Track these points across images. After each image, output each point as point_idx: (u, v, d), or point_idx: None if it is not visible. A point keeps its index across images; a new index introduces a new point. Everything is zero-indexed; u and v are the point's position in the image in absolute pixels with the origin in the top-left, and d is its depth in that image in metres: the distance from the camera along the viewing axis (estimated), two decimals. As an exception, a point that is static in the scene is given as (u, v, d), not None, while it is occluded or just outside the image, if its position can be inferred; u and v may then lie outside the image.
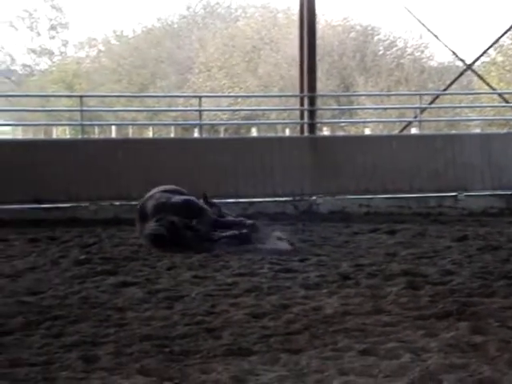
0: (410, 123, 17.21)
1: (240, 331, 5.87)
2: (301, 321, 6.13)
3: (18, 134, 37.52)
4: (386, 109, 30.49)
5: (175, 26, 42.81)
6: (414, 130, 18.95)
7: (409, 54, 36.44)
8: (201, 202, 10.11)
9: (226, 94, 34.38)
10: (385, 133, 25.50)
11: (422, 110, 15.75)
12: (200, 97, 16.14)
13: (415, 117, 15.96)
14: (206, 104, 25.40)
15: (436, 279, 7.61)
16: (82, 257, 8.90)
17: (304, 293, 7.11)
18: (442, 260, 8.66)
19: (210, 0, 43.46)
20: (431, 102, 16.29)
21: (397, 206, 13.29)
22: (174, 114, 33.80)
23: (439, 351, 5.29)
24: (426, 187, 13.63)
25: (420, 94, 16.08)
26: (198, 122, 15.27)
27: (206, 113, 24.05)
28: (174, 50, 39.95)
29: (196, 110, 15.65)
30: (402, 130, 16.61)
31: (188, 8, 43.40)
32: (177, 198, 9.81)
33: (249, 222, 10.17)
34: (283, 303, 6.70)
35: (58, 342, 5.61)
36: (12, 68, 48.57)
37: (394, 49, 36.91)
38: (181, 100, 33.03)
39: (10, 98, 39.22)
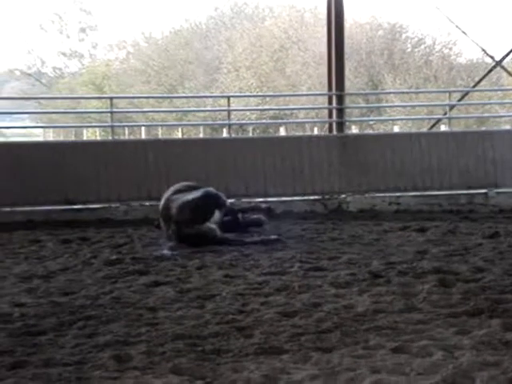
0: (439, 120, 17.12)
1: (271, 330, 5.88)
2: (332, 319, 6.11)
3: (49, 136, 37.87)
4: (414, 106, 30.41)
5: (203, 26, 42.92)
6: (443, 128, 18.87)
7: (437, 51, 36.23)
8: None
9: (255, 94, 34.43)
10: (413, 130, 25.37)
11: (452, 107, 15.66)
12: (228, 97, 16.17)
13: (444, 114, 15.87)
14: (235, 104, 25.42)
15: (467, 276, 7.56)
16: (114, 257, 8.95)
17: (335, 291, 7.09)
18: (474, 257, 8.60)
19: (237, 0, 43.54)
20: (460, 99, 16.19)
21: (427, 204, 13.24)
22: (202, 114, 33.92)
23: (471, 349, 5.26)
24: (457, 184, 13.56)
25: (449, 91, 15.97)
26: (226, 121, 15.30)
27: (234, 112, 24.06)
28: (202, 51, 40.06)
29: (224, 110, 15.70)
30: (431, 128, 16.52)
31: (216, 9, 43.53)
32: (196, 194, 9.87)
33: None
34: (314, 302, 6.69)
35: (91, 342, 5.64)
36: (42, 71, 48.98)
37: (423, 46, 36.73)
38: (209, 100, 33.15)
39: (40, 101, 39.68)
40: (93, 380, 4.87)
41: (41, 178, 12.15)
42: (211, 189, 10.13)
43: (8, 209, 12.17)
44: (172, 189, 10.19)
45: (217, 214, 9.79)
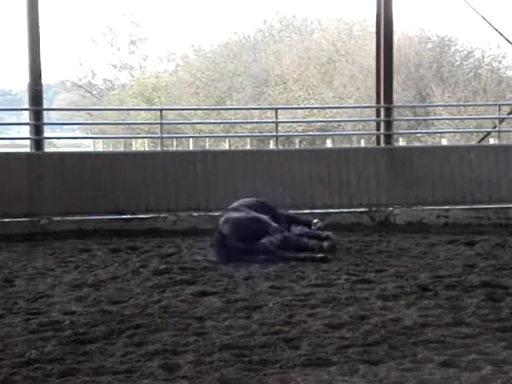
0: (488, 134, 16.97)
1: (318, 341, 5.88)
2: (379, 332, 6.10)
3: (99, 147, 38.30)
4: (463, 119, 30.17)
5: (252, 39, 43.14)
6: (492, 141, 18.67)
7: (486, 65, 35.97)
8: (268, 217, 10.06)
9: (302, 106, 34.46)
10: (462, 143, 25.16)
11: (501, 120, 15.51)
12: (276, 109, 16.19)
13: (494, 127, 15.72)
14: (282, 116, 25.48)
15: (517, 291, 7.49)
16: (162, 267, 9.01)
17: (382, 304, 7.07)
18: (523, 272, 8.51)
19: (286, 13, 43.69)
20: (510, 113, 16.03)
21: (475, 217, 13.11)
22: (249, 126, 34.03)
23: (521, 363, 5.22)
24: (506, 198, 13.40)
25: (499, 105, 15.82)
26: (273, 133, 15.35)
27: (281, 124, 24.09)
28: (250, 64, 40.25)
29: (272, 122, 15.73)
30: (480, 141, 16.37)
31: (264, 21, 43.73)
32: (240, 217, 9.82)
33: (325, 234, 10.16)
34: (361, 314, 6.68)
35: (140, 351, 5.70)
36: (93, 82, 49.63)
37: (472, 59, 36.48)
38: (257, 112, 33.28)
39: (91, 112, 40.21)
40: (142, 388, 4.92)
41: (91, 187, 12.29)
42: (265, 217, 10.05)
43: (59, 218, 12.35)
44: (235, 204, 10.27)
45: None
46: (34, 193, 12.26)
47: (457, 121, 30.84)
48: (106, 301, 7.36)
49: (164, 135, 14.52)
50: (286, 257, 9.39)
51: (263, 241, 9.53)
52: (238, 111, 34.86)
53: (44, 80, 13.05)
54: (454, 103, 32.54)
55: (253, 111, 34.48)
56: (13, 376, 5.19)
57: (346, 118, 30.17)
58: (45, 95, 13.36)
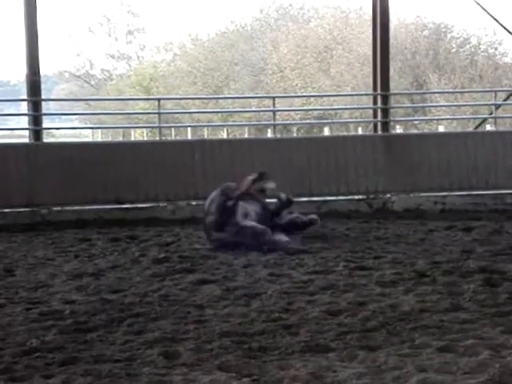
0: (485, 120, 16.98)
1: (317, 328, 5.91)
2: (377, 318, 6.13)
3: (97, 137, 38.25)
4: (459, 106, 30.17)
5: (249, 28, 43.06)
6: (488, 127, 18.69)
7: (482, 51, 35.95)
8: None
9: (299, 95, 34.44)
10: (459, 130, 25.17)
11: (497, 106, 15.53)
12: (273, 97, 16.21)
13: (490, 114, 15.74)
14: (279, 104, 25.46)
15: (514, 276, 7.53)
16: (161, 255, 9.04)
17: (380, 290, 7.10)
18: (520, 257, 8.55)
19: (282, 2, 43.59)
20: (506, 99, 16.05)
21: (472, 203, 13.14)
22: (247, 114, 34.04)
23: (518, 348, 5.26)
24: (502, 184, 13.44)
25: (495, 91, 15.83)
26: (271, 122, 15.36)
27: (279, 113, 24.07)
28: (247, 52, 40.19)
29: (269, 111, 15.77)
30: (476, 127, 16.40)
31: (261, 10, 43.63)
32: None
33: (305, 218, 10.10)
34: (359, 300, 6.71)
35: (140, 339, 5.72)
36: (91, 73, 49.54)
37: (468, 46, 36.45)
38: (254, 101, 33.25)
39: (89, 102, 40.19)
40: (142, 376, 4.93)
41: (91, 177, 12.32)
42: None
43: (58, 208, 12.37)
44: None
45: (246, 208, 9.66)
46: (33, 183, 12.28)
47: (453, 108, 30.84)
48: (106, 290, 7.39)
49: (162, 125, 14.53)
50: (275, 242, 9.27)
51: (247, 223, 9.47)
52: (236, 100, 34.84)
53: (42, 70, 13.07)
54: (451, 90, 32.52)
55: (250, 100, 34.44)
56: (14, 365, 5.21)
57: (343, 106, 30.14)
58: (43, 86, 13.35)
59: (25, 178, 12.25)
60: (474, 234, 10.28)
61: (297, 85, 36.90)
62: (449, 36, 36.84)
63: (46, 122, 15.62)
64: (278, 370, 5.00)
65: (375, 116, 14.25)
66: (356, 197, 13.22)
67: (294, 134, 31.51)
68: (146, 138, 35.27)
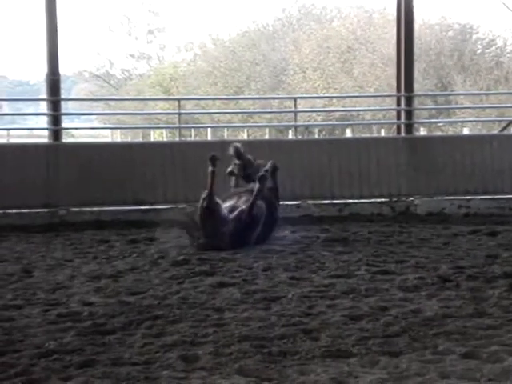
0: (510, 122, 16.81)
1: (338, 333, 5.84)
2: (400, 323, 6.05)
3: (117, 137, 38.33)
4: (484, 108, 29.96)
5: (270, 28, 43.00)
6: (514, 130, 18.51)
7: (508, 53, 35.72)
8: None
9: (321, 95, 34.36)
10: (484, 132, 24.98)
11: (523, 108, 15.38)
12: (295, 98, 16.12)
13: (516, 116, 15.59)
14: (301, 105, 25.38)
15: (540, 282, 7.41)
16: (181, 258, 9.00)
17: (402, 295, 7.02)
18: (546, 262, 8.43)
19: (305, 1, 43.49)
20: (532, 101, 15.89)
21: (497, 207, 13.02)
22: (268, 115, 33.99)
23: (544, 355, 5.16)
24: (528, 188, 13.31)
25: (521, 93, 15.67)
26: (292, 123, 15.29)
27: (300, 114, 24.03)
28: (268, 52, 40.13)
29: (291, 112, 15.70)
30: (502, 130, 16.24)
31: (283, 10, 43.54)
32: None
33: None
34: (381, 305, 6.63)
35: (159, 342, 5.67)
36: (111, 72, 49.66)
37: (493, 47, 36.23)
38: (275, 102, 33.19)
39: (108, 102, 40.29)
40: (161, 380, 4.90)
41: (109, 178, 12.30)
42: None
43: (77, 209, 12.36)
44: None
45: None
46: (52, 183, 12.28)
47: (478, 110, 30.64)
48: (125, 292, 7.35)
49: (182, 125, 14.50)
50: None
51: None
52: (257, 101, 34.83)
53: (62, 70, 13.07)
54: (476, 92, 32.32)
55: (271, 101, 34.37)
56: (32, 367, 5.18)
57: (366, 107, 29.99)
58: (62, 85, 13.37)
59: (44, 179, 12.25)
60: (499, 239, 10.17)
61: (319, 85, 36.80)
62: (474, 37, 36.64)
63: (65, 122, 15.64)
64: (297, 375, 4.95)
65: (398, 118, 14.14)
66: (378, 200, 13.12)
67: (316, 136, 31.43)
68: (165, 139, 35.31)
